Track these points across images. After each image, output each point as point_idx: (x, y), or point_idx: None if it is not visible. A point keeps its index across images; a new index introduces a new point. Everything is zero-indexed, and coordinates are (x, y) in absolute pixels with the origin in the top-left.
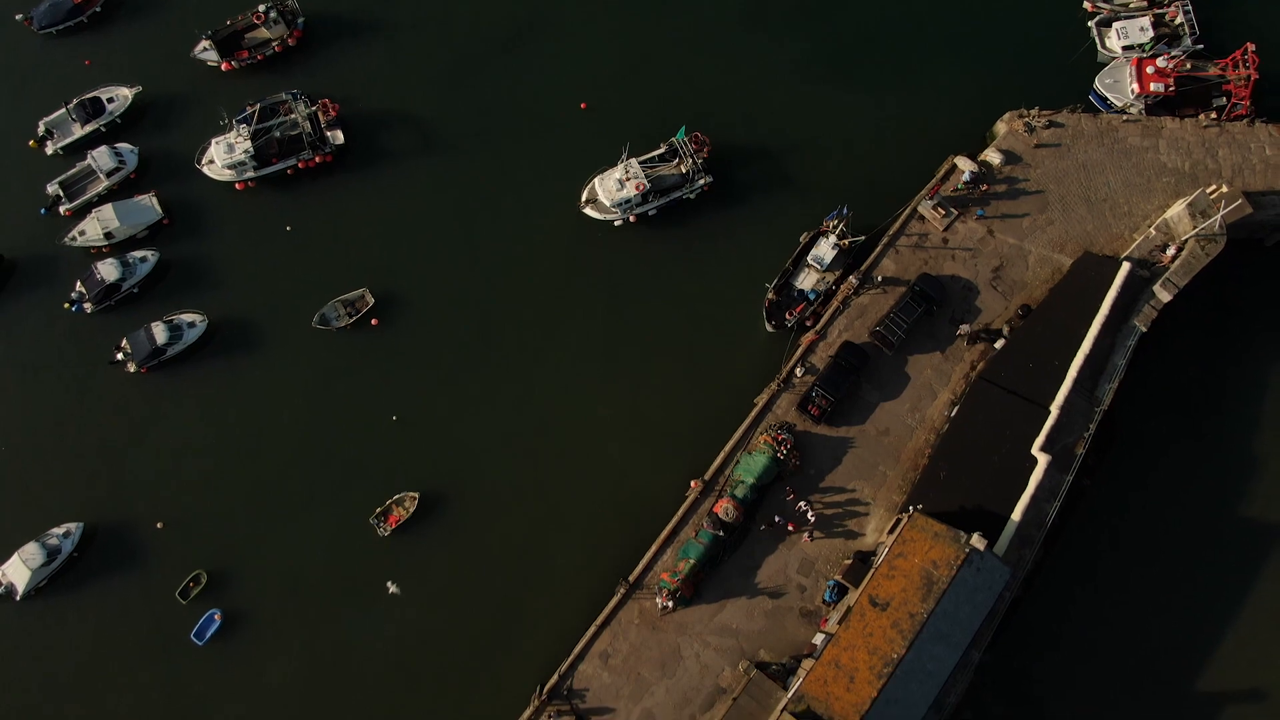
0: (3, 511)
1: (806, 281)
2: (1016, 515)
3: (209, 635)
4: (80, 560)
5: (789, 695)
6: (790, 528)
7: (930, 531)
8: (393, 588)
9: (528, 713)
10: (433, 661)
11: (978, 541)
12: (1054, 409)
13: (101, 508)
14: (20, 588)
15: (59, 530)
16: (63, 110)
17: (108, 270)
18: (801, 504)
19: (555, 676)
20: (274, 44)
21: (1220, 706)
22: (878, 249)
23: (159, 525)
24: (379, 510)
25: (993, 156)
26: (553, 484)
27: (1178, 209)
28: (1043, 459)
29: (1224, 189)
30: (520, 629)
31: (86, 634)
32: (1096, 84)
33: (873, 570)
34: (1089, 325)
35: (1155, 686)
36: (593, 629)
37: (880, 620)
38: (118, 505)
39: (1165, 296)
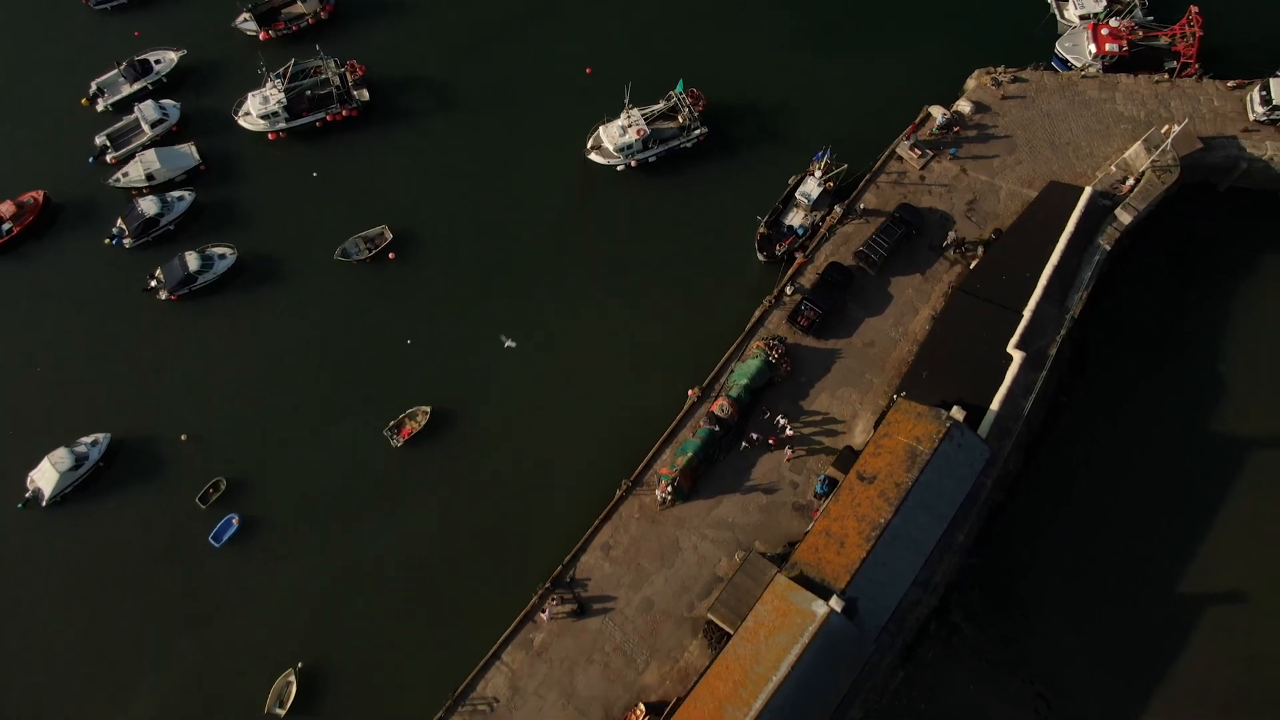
0: (35, 424)
1: (795, 218)
2: (995, 406)
3: (226, 538)
4: (106, 470)
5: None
6: (771, 441)
7: (913, 413)
8: (509, 342)
9: (532, 602)
10: (441, 562)
11: (957, 413)
12: (1026, 313)
13: (129, 421)
14: (47, 492)
15: (87, 439)
16: (114, 71)
17: (147, 205)
18: (781, 419)
19: (558, 567)
20: (307, 17)
21: (1197, 608)
22: (860, 185)
23: (183, 438)
24: (392, 423)
25: (964, 106)
26: (558, 400)
27: (1135, 148)
28: (1017, 356)
29: (1175, 127)
30: (526, 530)
31: (109, 537)
32: (1057, 48)
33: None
34: (1056, 242)
35: (1133, 591)
36: (595, 523)
37: (868, 491)
38: (144, 419)
39: (1126, 218)
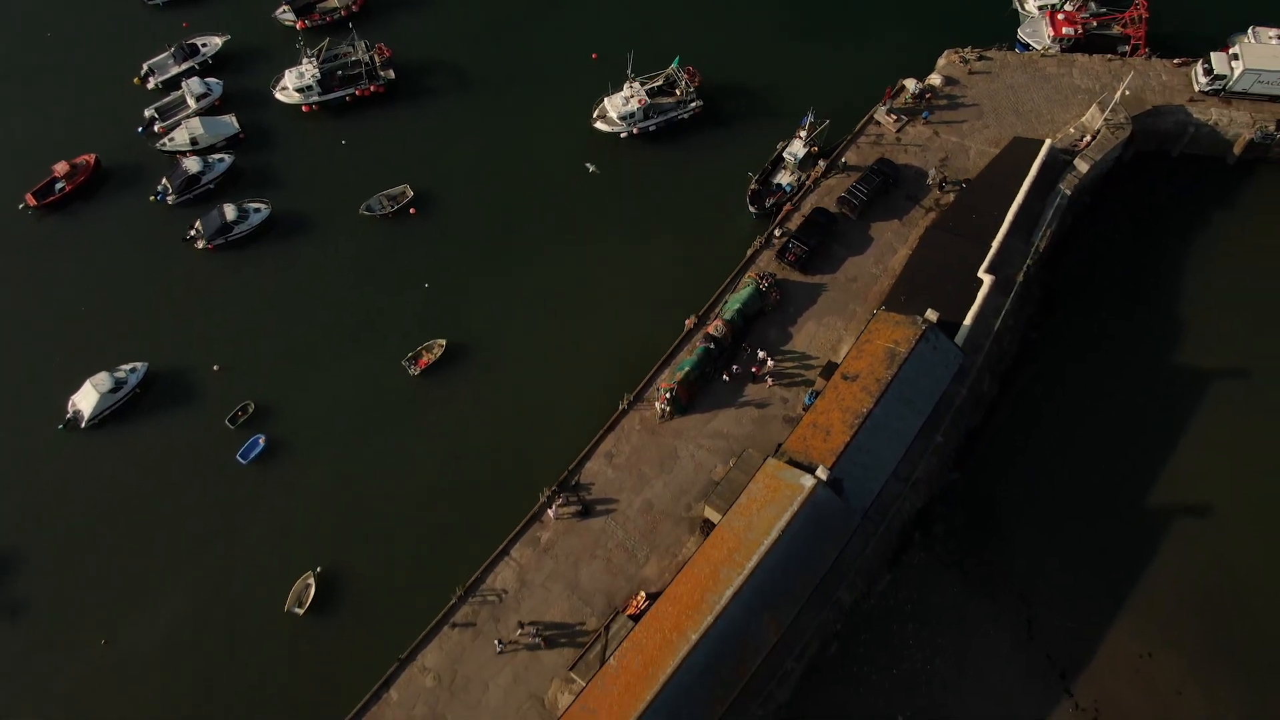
0: (78, 357)
1: (783, 178)
2: (967, 322)
3: (253, 456)
4: (142, 398)
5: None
6: (754, 371)
7: (891, 321)
8: (591, 168)
9: (539, 503)
10: (453, 475)
11: (931, 315)
12: (994, 244)
13: (165, 354)
14: (87, 413)
15: (127, 366)
16: (164, 54)
17: (190, 164)
18: (761, 353)
19: (564, 473)
20: (340, 10)
21: (1166, 519)
22: (841, 145)
23: (215, 368)
24: (410, 355)
25: (935, 79)
26: (565, 333)
27: (1091, 110)
28: (987, 280)
29: (1127, 92)
30: (533, 445)
31: (143, 456)
32: (1019, 34)
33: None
34: (1020, 187)
35: (1106, 506)
36: (598, 435)
37: (851, 388)
38: (180, 352)
39: (1084, 167)
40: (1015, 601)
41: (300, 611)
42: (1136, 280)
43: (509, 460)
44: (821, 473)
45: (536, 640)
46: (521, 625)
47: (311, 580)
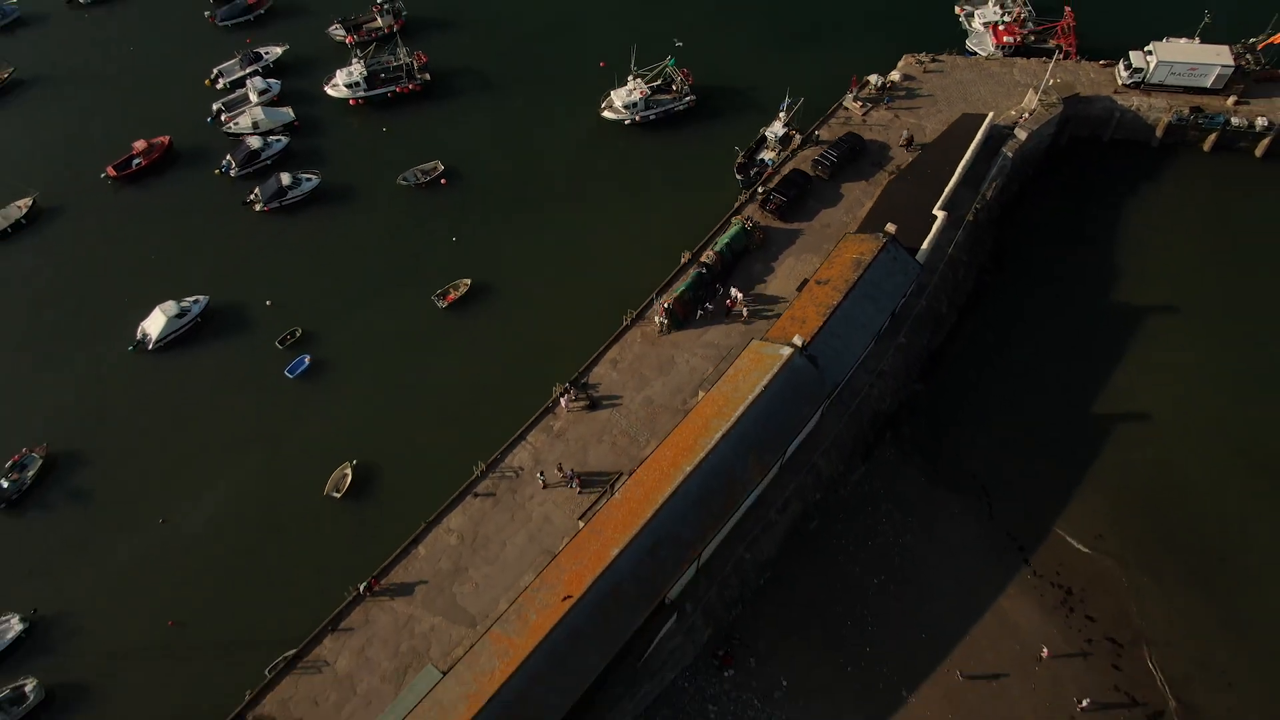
0: (148, 293)
1: (766, 154)
2: (924, 246)
3: (299, 372)
4: (203, 327)
5: None
6: (728, 305)
7: (858, 239)
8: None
9: (553, 396)
10: (475, 386)
11: (890, 228)
12: (946, 190)
13: (224, 291)
14: (154, 336)
15: (190, 298)
16: (232, 60)
17: (252, 141)
18: (734, 290)
19: (575, 374)
20: (384, 28)
21: (1109, 426)
22: (815, 126)
23: (268, 303)
24: (438, 291)
25: (895, 76)
26: (575, 274)
27: (1028, 95)
28: (941, 215)
29: (1054, 80)
30: (546, 359)
31: (201, 372)
32: (967, 44)
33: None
34: (968, 149)
35: (1055, 416)
36: (604, 345)
37: (823, 289)
38: (237, 290)
39: (1022, 135)
40: (977, 491)
41: (338, 496)
42: (1076, 238)
43: (525, 370)
44: (798, 341)
45: (572, 479)
46: (560, 468)
47: (349, 470)
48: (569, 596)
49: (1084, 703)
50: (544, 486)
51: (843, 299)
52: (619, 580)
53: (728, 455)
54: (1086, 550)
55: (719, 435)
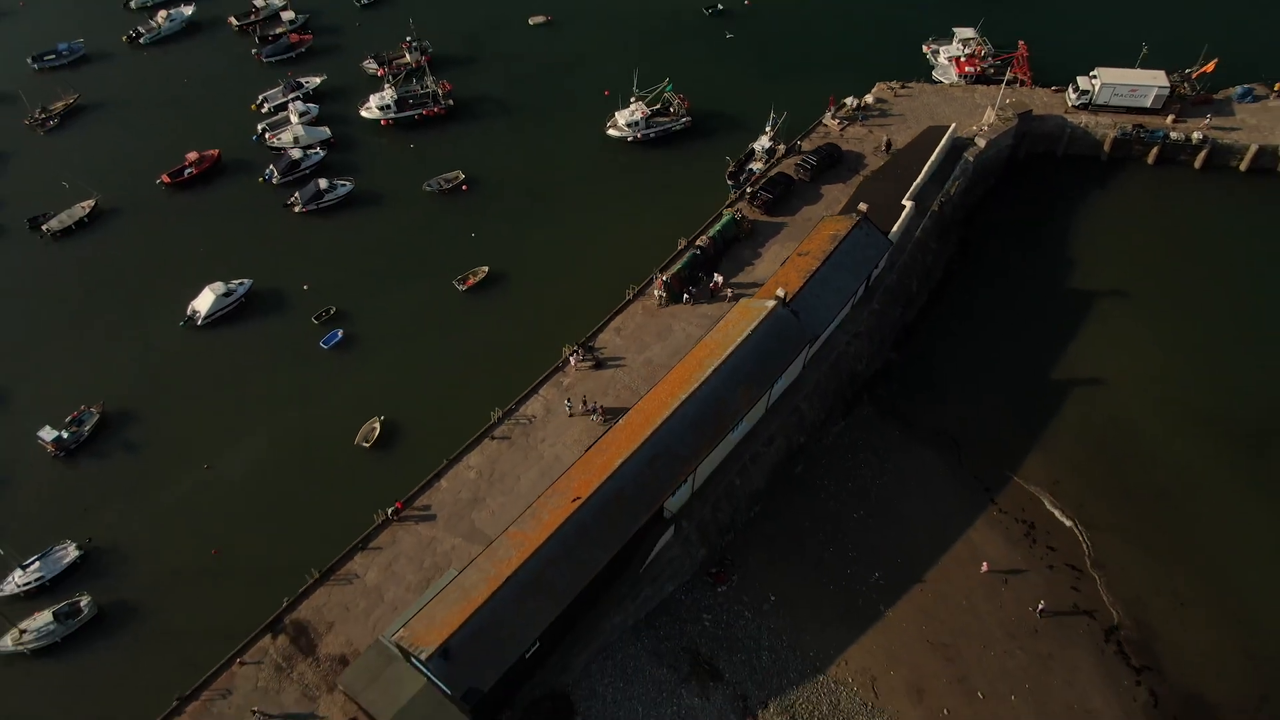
0: (197, 279)
1: (754, 165)
2: (894, 229)
3: (332, 344)
4: (246, 307)
5: None
6: (712, 288)
7: (835, 219)
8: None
9: (564, 356)
10: (492, 352)
11: (863, 208)
12: (914, 184)
13: (266, 276)
14: (203, 312)
15: (236, 281)
16: (276, 88)
17: (293, 152)
18: (718, 276)
19: (584, 337)
20: (412, 62)
21: (1065, 390)
22: (797, 139)
23: (305, 287)
24: (459, 277)
25: (869, 99)
26: (584, 257)
27: (988, 113)
28: (909, 204)
29: (1009, 100)
30: (557, 332)
31: (245, 344)
32: (933, 75)
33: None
34: (933, 153)
35: (1017, 381)
36: (609, 314)
37: (805, 259)
38: (278, 276)
39: (982, 143)
40: (948, 443)
41: (367, 445)
42: (1035, 237)
43: (537, 339)
44: (781, 293)
45: (595, 410)
46: (585, 400)
47: (377, 424)
48: (578, 498)
49: (1040, 604)
50: (570, 415)
51: (820, 265)
52: (622, 486)
53: (719, 386)
54: (1045, 491)
55: (711, 370)
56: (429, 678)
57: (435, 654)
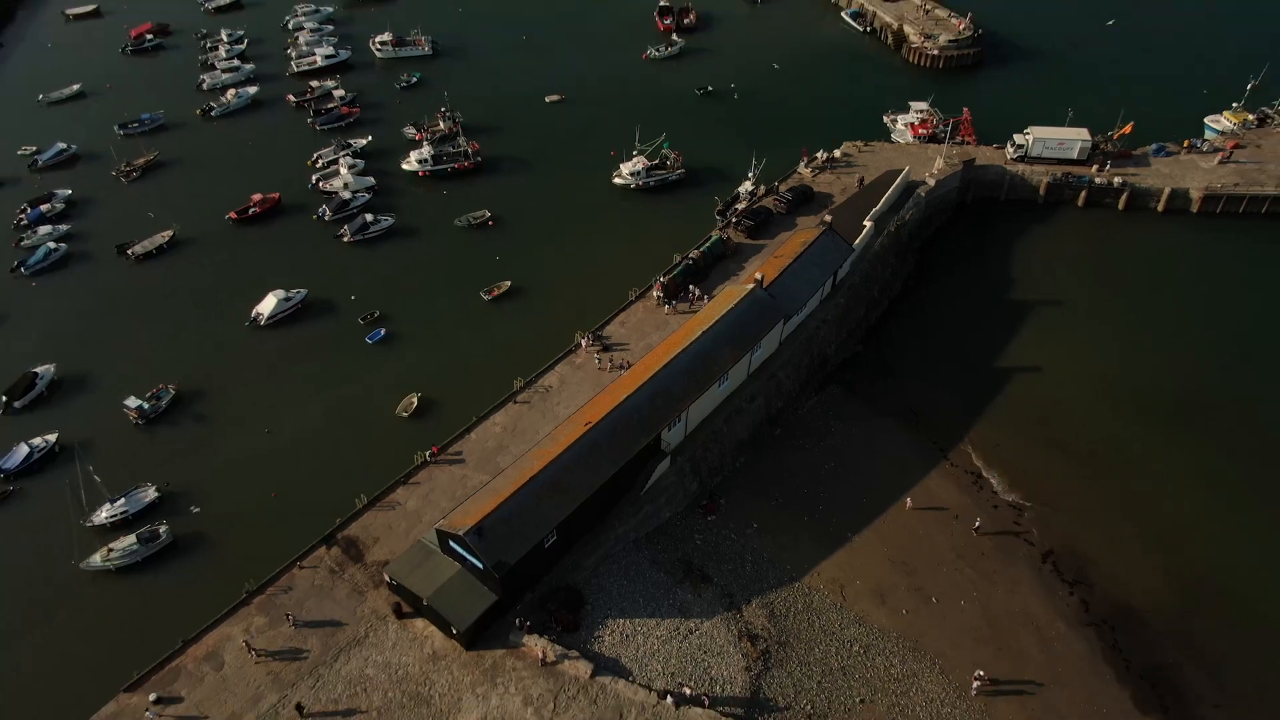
0: (259, 292)
1: (739, 206)
2: (856, 243)
3: (376, 339)
4: (302, 311)
5: None
6: (691, 299)
7: (805, 229)
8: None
9: (575, 341)
10: (511, 346)
11: (827, 217)
12: (874, 210)
13: (319, 290)
14: (265, 314)
15: (295, 290)
16: (329, 148)
17: (343, 193)
18: (693, 288)
19: (594, 327)
20: (445, 128)
21: (1009, 375)
22: (775, 182)
23: (352, 298)
24: (485, 289)
25: (837, 153)
26: (594, 275)
27: (938, 161)
28: (869, 224)
29: (955, 151)
30: (570, 325)
31: (301, 340)
32: (892, 137)
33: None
34: (890, 186)
35: (967, 370)
36: (614, 312)
37: (779, 259)
38: (329, 290)
39: (931, 182)
40: (908, 415)
41: (406, 415)
42: (982, 265)
43: (553, 334)
44: (759, 276)
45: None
46: (612, 359)
47: (415, 398)
48: (589, 423)
49: (978, 522)
50: (599, 369)
51: (792, 262)
52: (626, 415)
53: (707, 345)
54: (990, 451)
55: (700, 332)
56: (464, 557)
57: (471, 530)
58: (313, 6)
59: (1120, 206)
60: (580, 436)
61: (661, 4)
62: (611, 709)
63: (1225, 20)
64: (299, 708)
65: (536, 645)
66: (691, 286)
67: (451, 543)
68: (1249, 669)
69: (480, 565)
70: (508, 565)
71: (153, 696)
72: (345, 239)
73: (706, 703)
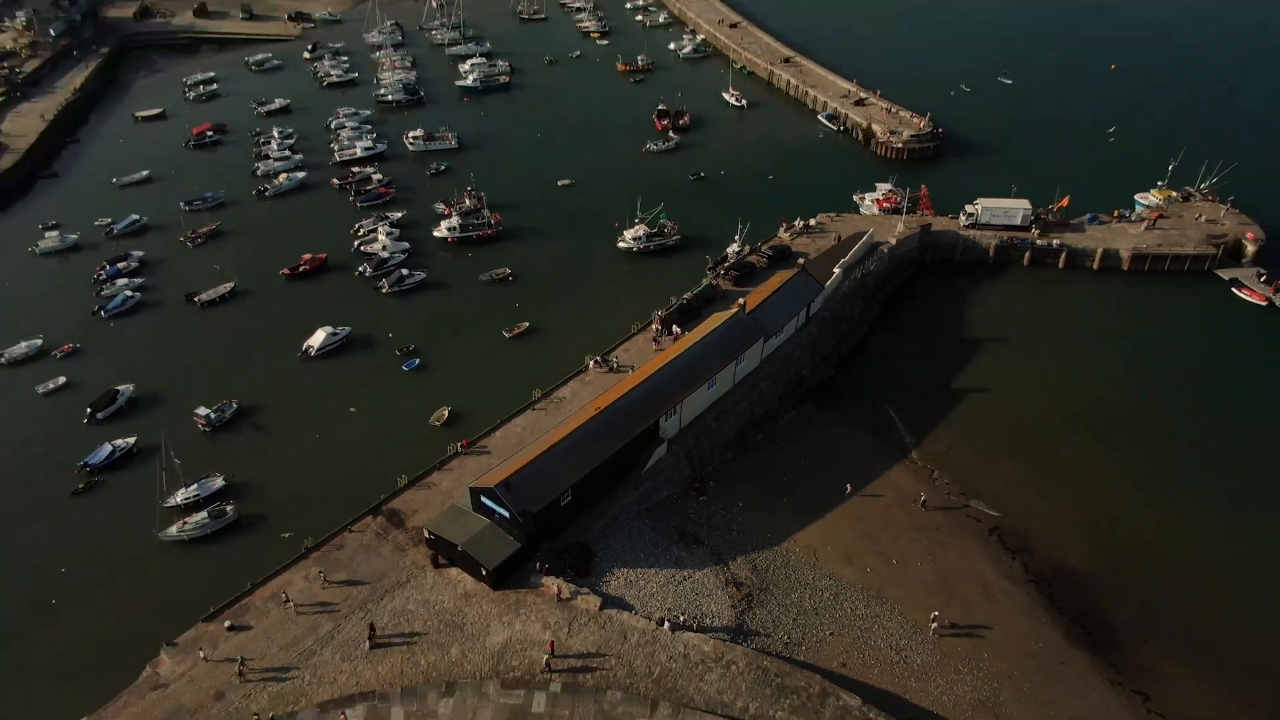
0: (313, 325)
1: (726, 263)
2: (826, 285)
3: (412, 368)
4: (346, 346)
5: None
6: (674, 336)
7: (782, 272)
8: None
9: (584, 364)
10: (532, 372)
11: (800, 260)
12: (841, 261)
13: (360, 328)
14: (315, 346)
15: (340, 327)
16: (369, 218)
17: (382, 252)
18: (676, 328)
19: (600, 353)
20: (470, 203)
21: (966, 393)
22: (759, 243)
23: (390, 335)
24: (506, 329)
25: (812, 221)
26: (603, 317)
27: (899, 225)
28: (838, 270)
29: (914, 219)
30: (580, 353)
31: (346, 370)
32: (860, 211)
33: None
34: (855, 246)
35: (930, 389)
36: (618, 342)
37: (760, 293)
38: (370, 328)
39: (893, 241)
40: (874, 424)
41: (438, 424)
42: (939, 314)
43: (566, 362)
44: (741, 302)
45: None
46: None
47: (446, 410)
48: (598, 408)
49: (922, 498)
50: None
51: (771, 294)
52: (629, 403)
53: (697, 354)
54: (945, 452)
55: (690, 345)
56: (493, 510)
57: (500, 484)
58: (352, 110)
59: (1060, 265)
60: (591, 418)
61: (660, 108)
62: (617, 633)
63: (1149, 112)
64: (371, 628)
65: (553, 584)
66: (675, 328)
67: (483, 498)
68: (1164, 613)
69: (507, 514)
70: (531, 513)
71: (227, 624)
72: (384, 290)
73: (696, 627)
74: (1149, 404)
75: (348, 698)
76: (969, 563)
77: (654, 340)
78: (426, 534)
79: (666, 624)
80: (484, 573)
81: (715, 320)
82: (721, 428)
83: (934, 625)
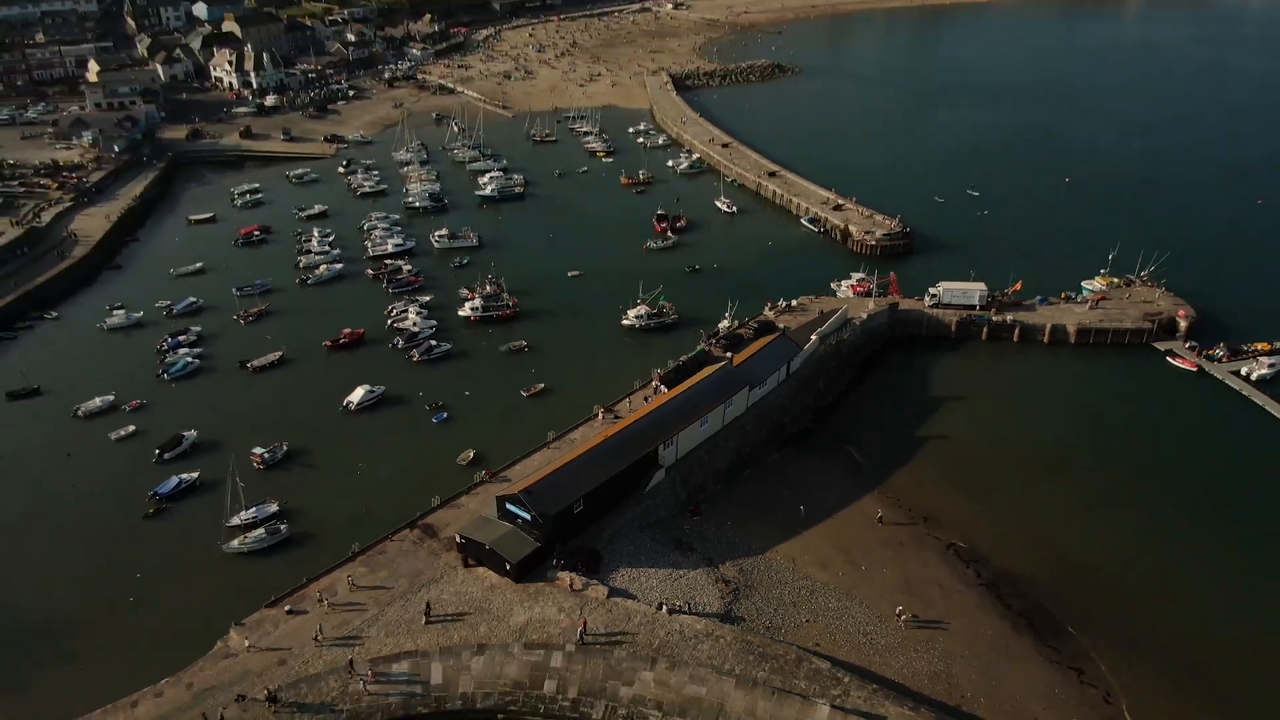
0: (345, 392)
1: (719, 335)
2: (806, 347)
3: (440, 420)
4: (382, 402)
5: None
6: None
7: (765, 337)
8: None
9: (594, 412)
10: (546, 424)
11: (781, 325)
12: (818, 330)
13: (393, 388)
14: (355, 401)
15: (377, 386)
16: (401, 301)
17: (413, 328)
18: (662, 387)
19: (606, 405)
20: (490, 289)
21: (933, 436)
22: (746, 319)
23: (420, 394)
24: (525, 388)
25: (794, 303)
26: (610, 381)
27: (870, 303)
28: (815, 338)
29: (885, 299)
30: (591, 407)
31: (380, 424)
32: (836, 295)
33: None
34: (831, 317)
35: (897, 432)
36: (621, 397)
37: (745, 352)
38: (402, 389)
39: (864, 315)
40: (848, 465)
41: (464, 463)
42: (909, 376)
43: (576, 415)
44: (728, 355)
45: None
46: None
47: (471, 451)
48: (606, 436)
49: (879, 514)
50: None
51: (755, 352)
52: (630, 434)
53: (689, 397)
54: (910, 490)
55: (684, 390)
56: (516, 515)
57: (523, 491)
58: (383, 214)
59: (1015, 339)
60: (599, 443)
61: (659, 212)
62: (622, 615)
63: (1092, 212)
64: (427, 606)
65: (567, 577)
66: (663, 389)
67: (508, 504)
68: (1097, 611)
69: (529, 517)
70: (549, 516)
71: (286, 608)
72: (415, 359)
73: (690, 611)
74: (1092, 450)
75: (395, 655)
76: (929, 570)
77: (654, 392)
78: (458, 539)
79: (665, 608)
80: (508, 567)
81: (706, 371)
82: (713, 460)
83: (901, 618)
